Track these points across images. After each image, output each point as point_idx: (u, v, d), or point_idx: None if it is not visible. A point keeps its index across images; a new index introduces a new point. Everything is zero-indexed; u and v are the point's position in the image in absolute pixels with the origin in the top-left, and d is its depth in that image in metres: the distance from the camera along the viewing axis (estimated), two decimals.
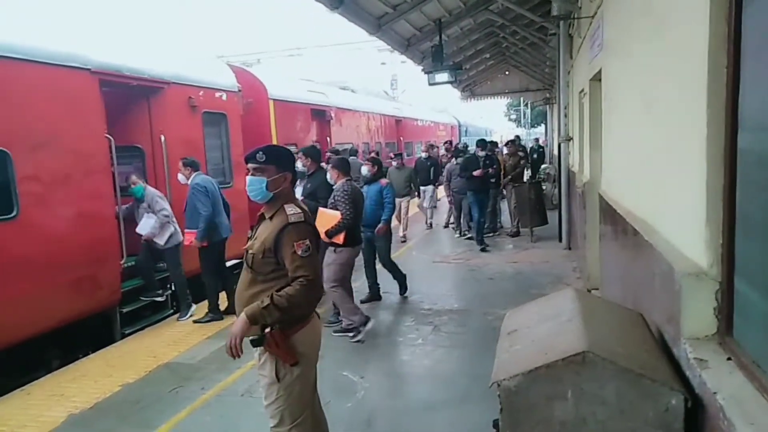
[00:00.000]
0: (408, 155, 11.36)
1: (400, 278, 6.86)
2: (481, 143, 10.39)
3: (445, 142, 15.54)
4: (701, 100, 2.09)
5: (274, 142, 9.91)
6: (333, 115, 12.57)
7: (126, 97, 6.81)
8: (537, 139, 22.39)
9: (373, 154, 8.80)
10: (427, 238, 11.35)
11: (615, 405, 2.04)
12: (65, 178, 5.47)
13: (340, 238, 5.34)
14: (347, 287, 5.63)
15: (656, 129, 2.93)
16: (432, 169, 12.06)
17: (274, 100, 10.06)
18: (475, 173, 9.48)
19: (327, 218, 5.33)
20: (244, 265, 2.80)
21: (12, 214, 4.92)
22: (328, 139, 12.21)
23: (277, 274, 2.66)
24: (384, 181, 6.59)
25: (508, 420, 2.16)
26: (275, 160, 2.76)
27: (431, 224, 12.21)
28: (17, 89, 5.04)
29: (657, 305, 2.62)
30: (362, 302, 6.34)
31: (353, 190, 5.50)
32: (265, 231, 2.71)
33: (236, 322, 2.59)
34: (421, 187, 11.96)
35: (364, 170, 6.56)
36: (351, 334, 5.41)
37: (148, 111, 6.99)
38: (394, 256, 7.06)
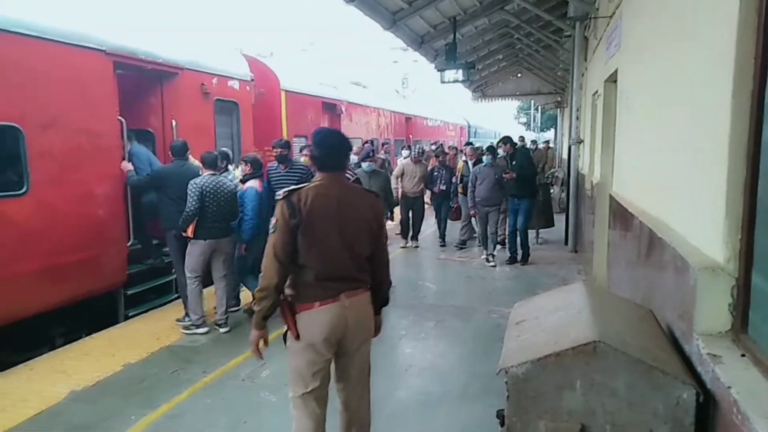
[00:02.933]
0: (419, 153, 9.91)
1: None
2: (507, 141, 8.73)
3: (434, 145, 14.50)
4: (726, 93, 2.06)
5: (284, 133, 9.92)
6: (344, 109, 12.56)
7: (140, 80, 6.81)
8: (522, 138, 17.62)
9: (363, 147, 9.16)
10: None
11: (625, 396, 2.02)
12: (76, 158, 5.47)
13: (188, 231, 5.31)
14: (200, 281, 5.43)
15: (675, 125, 2.90)
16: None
17: (286, 91, 10.06)
18: (506, 176, 8.03)
19: None
20: None
21: (22, 191, 4.93)
22: None
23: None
24: (255, 183, 5.73)
25: (515, 408, 2.14)
26: None
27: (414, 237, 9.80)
28: (32, 67, 5.04)
29: (669, 301, 2.60)
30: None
31: (204, 184, 5.24)
32: None
33: None
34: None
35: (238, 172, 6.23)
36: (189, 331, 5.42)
37: (161, 95, 7.00)
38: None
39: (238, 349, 4.85)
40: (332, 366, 2.76)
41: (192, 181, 5.27)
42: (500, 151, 8.90)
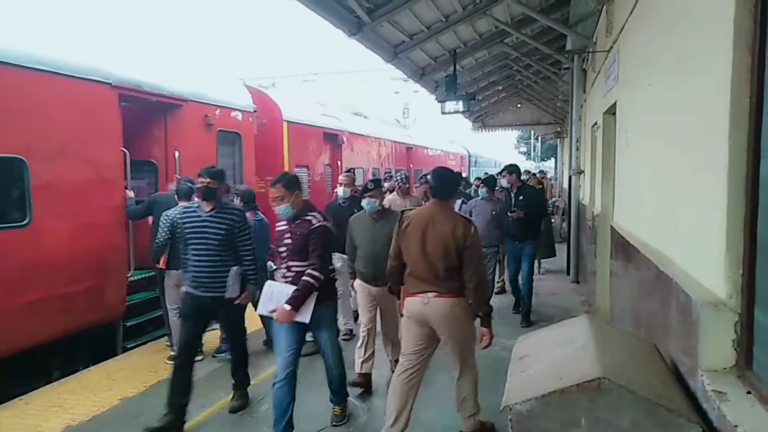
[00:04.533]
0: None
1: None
2: (513, 170, 7.08)
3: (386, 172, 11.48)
4: (723, 130, 2.09)
5: (286, 164, 9.99)
6: (345, 139, 12.68)
7: (144, 112, 6.90)
8: (527, 172, 15.50)
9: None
10: None
11: None
12: (79, 189, 5.51)
13: (161, 262, 5.30)
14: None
15: (674, 160, 2.92)
16: None
17: (288, 122, 10.17)
18: (512, 215, 6.66)
19: None
20: None
21: (25, 222, 4.95)
22: (339, 162, 12.28)
23: None
24: (248, 216, 4.72)
25: None
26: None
27: None
28: (39, 100, 5.12)
29: (673, 337, 2.58)
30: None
31: (176, 217, 4.95)
32: None
33: None
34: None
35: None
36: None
37: (165, 127, 7.08)
38: None
39: None
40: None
41: (164, 213, 5.23)
42: (503, 182, 7.29)
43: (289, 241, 3.78)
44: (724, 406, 1.88)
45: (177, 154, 6.98)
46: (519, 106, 18.62)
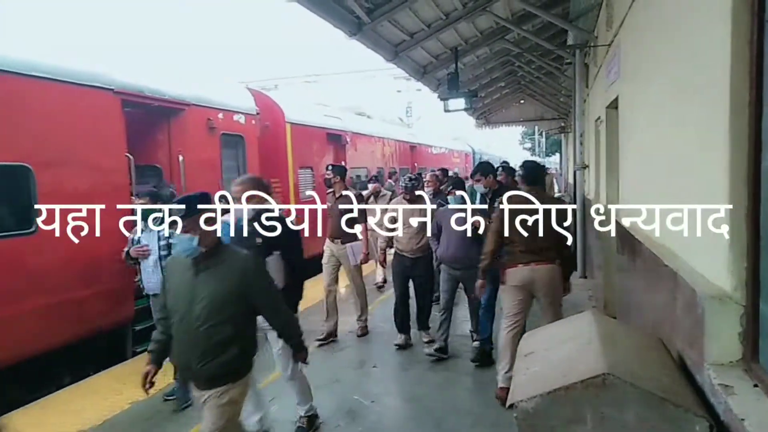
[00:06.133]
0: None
1: None
2: (487, 170, 5.60)
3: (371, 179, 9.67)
4: (723, 121, 2.08)
5: (290, 165, 10.02)
6: (348, 139, 12.70)
7: (147, 117, 6.94)
8: (505, 164, 10.03)
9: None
10: None
11: (636, 430, 1.99)
12: (84, 195, 5.54)
13: None
14: None
15: (676, 152, 2.91)
16: None
17: (291, 123, 10.19)
18: (474, 223, 5.05)
19: None
20: None
21: (31, 229, 4.99)
22: (343, 163, 12.30)
23: None
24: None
25: None
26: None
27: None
28: (42, 107, 5.16)
29: (678, 330, 2.57)
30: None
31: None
32: None
33: None
34: None
35: None
36: None
37: (168, 131, 7.12)
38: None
39: None
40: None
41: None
42: (478, 188, 5.50)
43: None
44: (731, 399, 1.88)
45: (181, 158, 7.01)
46: (522, 102, 18.57)
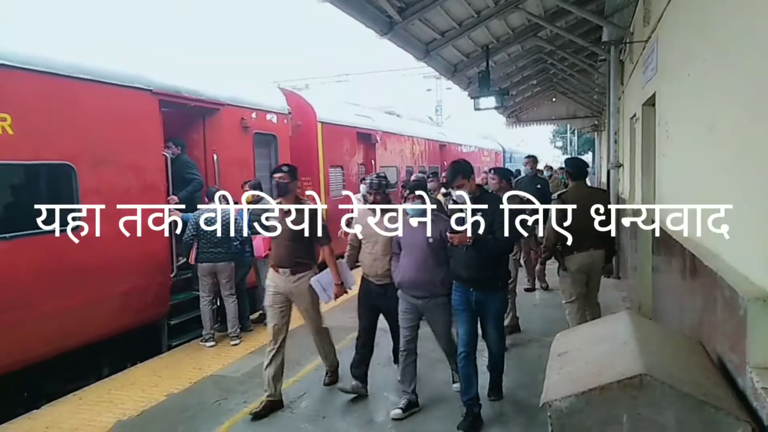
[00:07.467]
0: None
1: None
2: (465, 170, 4.10)
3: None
4: (765, 120, 2.02)
5: (321, 164, 10.10)
6: (378, 138, 12.72)
7: (183, 116, 7.09)
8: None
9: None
10: None
11: None
12: (124, 192, 5.70)
13: (190, 258, 6.24)
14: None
15: (718, 150, 2.84)
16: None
17: (322, 122, 10.27)
18: (452, 238, 3.80)
19: None
20: None
21: (74, 226, 5.15)
22: (373, 161, 12.34)
23: None
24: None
25: None
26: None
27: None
28: (84, 107, 5.33)
29: (718, 333, 2.51)
30: None
31: (198, 217, 6.10)
32: None
33: None
34: None
35: None
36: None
37: (203, 130, 7.27)
38: None
39: None
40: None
41: (192, 215, 6.21)
42: (457, 194, 4.00)
43: None
44: None
45: (215, 156, 7.14)
46: (554, 100, 18.28)
